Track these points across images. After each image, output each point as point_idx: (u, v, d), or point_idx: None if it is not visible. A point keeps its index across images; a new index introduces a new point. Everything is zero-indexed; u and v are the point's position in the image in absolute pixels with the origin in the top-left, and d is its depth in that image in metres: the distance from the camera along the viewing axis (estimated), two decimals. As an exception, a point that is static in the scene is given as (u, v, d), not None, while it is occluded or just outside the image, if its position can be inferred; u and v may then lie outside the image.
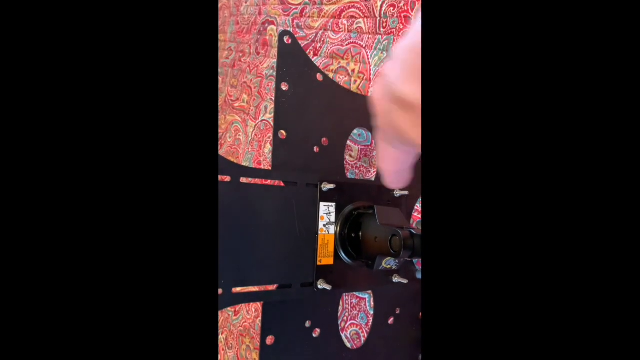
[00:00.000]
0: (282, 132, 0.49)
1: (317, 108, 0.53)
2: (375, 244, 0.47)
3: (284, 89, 0.50)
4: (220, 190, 0.43)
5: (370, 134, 0.77)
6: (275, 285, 0.48)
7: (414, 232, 0.41)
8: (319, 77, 0.54)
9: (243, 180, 0.45)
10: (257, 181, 0.47)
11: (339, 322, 0.74)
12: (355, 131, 0.80)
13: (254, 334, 1.02)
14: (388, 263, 0.47)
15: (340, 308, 0.78)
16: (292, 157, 0.50)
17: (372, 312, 0.63)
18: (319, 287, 0.50)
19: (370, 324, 0.61)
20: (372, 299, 0.63)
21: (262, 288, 0.47)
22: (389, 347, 0.58)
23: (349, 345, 0.54)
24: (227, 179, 0.44)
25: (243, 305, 1.18)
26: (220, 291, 0.42)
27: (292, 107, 0.50)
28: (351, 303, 0.75)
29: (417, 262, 0.64)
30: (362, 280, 0.55)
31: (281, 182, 0.49)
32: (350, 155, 0.78)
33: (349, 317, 0.74)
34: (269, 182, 0.48)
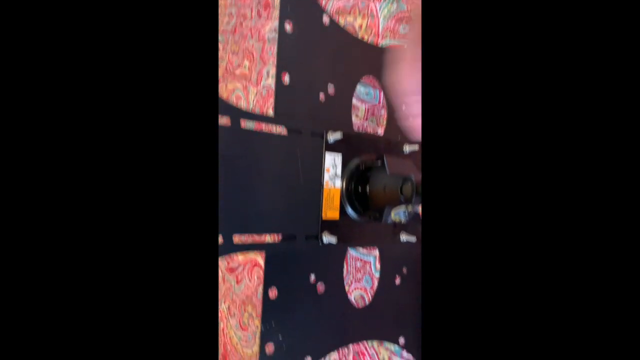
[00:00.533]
0: (286, 75, 0.46)
1: (323, 53, 0.50)
2: (384, 194, 0.45)
3: (287, 28, 0.46)
4: (220, 136, 0.40)
5: (377, 92, 0.74)
6: (279, 238, 0.45)
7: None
8: (325, 20, 0.50)
9: (243, 123, 0.42)
10: (259, 128, 0.45)
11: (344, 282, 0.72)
12: (362, 89, 0.76)
13: (256, 302, 1.01)
14: (397, 215, 0.45)
15: (344, 271, 0.76)
16: (296, 103, 0.47)
17: (377, 275, 0.62)
18: (324, 240, 0.47)
19: (375, 286, 0.60)
20: (377, 261, 0.61)
21: (265, 239, 0.45)
22: (395, 308, 0.57)
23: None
24: (227, 121, 0.41)
25: (245, 273, 1.18)
26: (220, 239, 0.40)
27: (296, 49, 0.47)
28: (355, 266, 0.73)
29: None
30: (368, 236, 0.53)
31: (284, 131, 0.46)
32: (357, 115, 0.75)
33: (354, 280, 0.73)
34: (271, 130, 0.45)
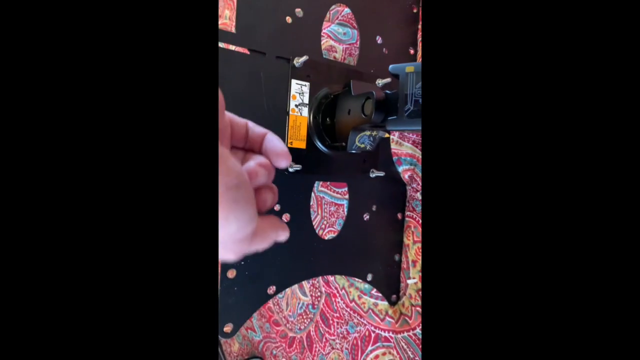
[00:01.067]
0: (248, -9, 0.43)
1: (291, -28, 0.46)
2: (348, 118, 0.43)
3: (250, -62, 0.42)
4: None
5: (355, 32, 0.71)
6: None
7: (390, 93, 0.37)
8: None
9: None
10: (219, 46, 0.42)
11: (317, 227, 0.72)
12: (339, 29, 0.73)
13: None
14: (362, 141, 0.44)
15: (318, 217, 0.76)
16: (259, 22, 0.44)
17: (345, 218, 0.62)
18: (290, 170, 0.46)
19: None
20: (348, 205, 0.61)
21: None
22: (361, 243, 0.57)
23: (321, 237, 0.53)
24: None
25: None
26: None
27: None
28: (329, 211, 0.73)
29: (397, 161, 0.61)
30: (336, 169, 0.52)
31: (246, 50, 0.44)
32: (334, 57, 0.72)
33: (327, 225, 0.73)
34: (231, 47, 0.43)
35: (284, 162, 0.25)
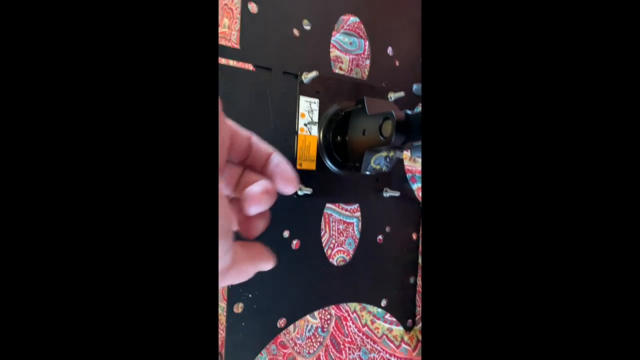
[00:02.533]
0: (253, 3, 0.40)
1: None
2: (363, 138, 0.40)
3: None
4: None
5: (362, 41, 0.68)
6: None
7: (410, 113, 0.34)
8: (300, -57, 0.44)
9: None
10: (221, 62, 0.39)
11: (325, 246, 0.69)
12: (344, 39, 0.70)
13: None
14: (377, 162, 0.41)
15: (326, 235, 0.73)
16: (265, 36, 0.41)
17: (358, 242, 0.58)
18: (299, 192, 0.43)
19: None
20: (360, 223, 0.57)
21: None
22: (375, 268, 0.53)
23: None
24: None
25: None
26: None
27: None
28: (338, 229, 0.70)
29: (412, 179, 0.58)
30: (348, 190, 0.48)
31: (252, 66, 0.41)
32: (341, 68, 0.69)
33: (336, 244, 0.70)
34: (237, 64, 0.40)
35: (292, 188, 0.22)
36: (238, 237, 0.42)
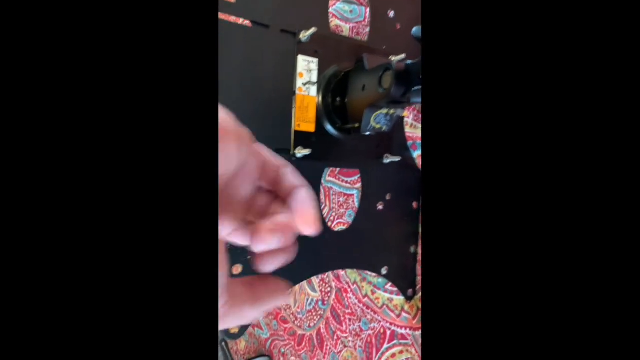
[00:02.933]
0: (248, -44, 0.38)
1: None
2: (363, 95, 0.39)
3: None
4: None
5: (363, 9, 0.66)
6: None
7: (411, 63, 0.33)
8: None
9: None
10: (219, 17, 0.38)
11: (325, 219, 0.69)
12: (345, 7, 0.69)
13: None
14: (378, 121, 0.40)
15: (326, 208, 0.72)
16: (261, -9, 0.40)
17: (357, 208, 0.58)
18: (297, 154, 0.42)
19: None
20: (360, 194, 0.57)
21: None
22: (376, 235, 0.53)
23: (332, 228, 0.49)
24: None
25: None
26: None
27: None
28: (338, 202, 0.69)
29: (412, 146, 0.57)
30: (348, 155, 0.48)
31: (248, 22, 0.39)
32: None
33: (336, 217, 0.69)
34: (231, 19, 0.39)
35: (311, 231, 0.20)
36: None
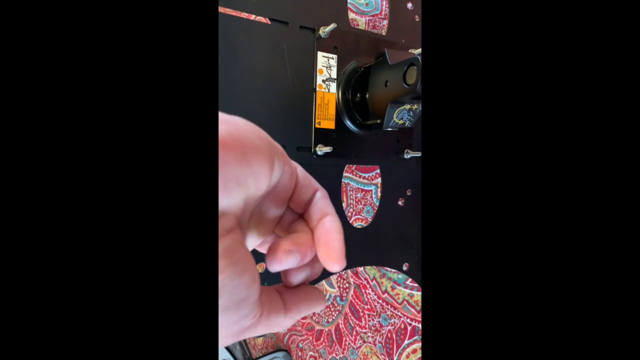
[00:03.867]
0: (267, -49, 0.38)
1: None
2: (385, 90, 0.38)
3: None
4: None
5: (379, 1, 0.65)
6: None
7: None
8: None
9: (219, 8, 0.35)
10: (234, 14, 0.38)
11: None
12: (360, 0, 0.67)
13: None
14: (400, 116, 0.39)
15: (344, 204, 0.72)
16: (280, -13, 0.39)
17: (378, 204, 0.57)
18: (318, 152, 0.42)
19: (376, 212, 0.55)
20: (378, 190, 0.56)
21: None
22: (396, 231, 0.52)
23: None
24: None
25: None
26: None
27: None
28: (356, 198, 0.69)
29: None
30: (368, 151, 0.47)
31: (266, 20, 0.39)
32: (356, 31, 0.66)
33: (354, 212, 0.69)
34: (251, 17, 0.38)
35: (335, 266, 0.18)
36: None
